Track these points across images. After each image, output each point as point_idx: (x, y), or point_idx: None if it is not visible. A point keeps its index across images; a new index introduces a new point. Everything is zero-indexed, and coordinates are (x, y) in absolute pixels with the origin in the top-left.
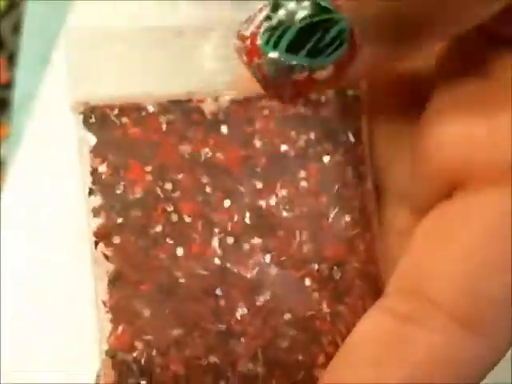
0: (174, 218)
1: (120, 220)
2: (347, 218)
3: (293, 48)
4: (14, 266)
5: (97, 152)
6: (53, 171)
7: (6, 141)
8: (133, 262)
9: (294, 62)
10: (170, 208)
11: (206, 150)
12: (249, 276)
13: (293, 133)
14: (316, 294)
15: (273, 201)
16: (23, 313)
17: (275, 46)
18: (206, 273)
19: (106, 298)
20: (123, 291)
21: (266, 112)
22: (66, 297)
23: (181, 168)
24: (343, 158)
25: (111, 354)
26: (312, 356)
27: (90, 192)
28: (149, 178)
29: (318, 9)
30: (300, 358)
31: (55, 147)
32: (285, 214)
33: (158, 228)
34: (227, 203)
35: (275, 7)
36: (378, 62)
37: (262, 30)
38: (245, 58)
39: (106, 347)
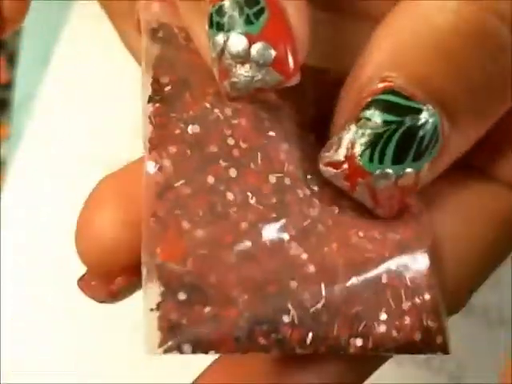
0: (231, 142)
1: (178, 131)
2: None
3: (399, 159)
4: (14, 266)
5: (160, 64)
6: (53, 171)
7: (6, 141)
8: (185, 176)
9: (401, 172)
10: (228, 132)
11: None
12: (304, 224)
13: None
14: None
15: None
16: (23, 313)
17: (380, 161)
18: (260, 207)
19: (154, 210)
20: (172, 203)
21: None
22: (67, 297)
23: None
24: None
25: (159, 262)
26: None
27: (150, 100)
28: (209, 99)
29: (407, 110)
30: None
31: (55, 147)
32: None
33: (214, 148)
34: (285, 146)
35: (362, 123)
36: (467, 144)
37: (358, 149)
38: (346, 183)
39: (153, 257)
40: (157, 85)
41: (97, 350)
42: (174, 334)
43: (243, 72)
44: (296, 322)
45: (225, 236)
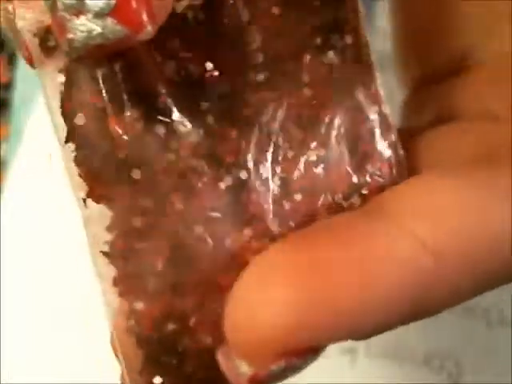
0: None
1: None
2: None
3: None
4: (14, 266)
5: (68, 94)
6: (53, 171)
7: (6, 141)
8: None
9: None
10: None
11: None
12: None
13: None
14: None
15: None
16: (23, 313)
17: None
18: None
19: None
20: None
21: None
22: (67, 296)
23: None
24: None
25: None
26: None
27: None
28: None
29: None
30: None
31: (55, 147)
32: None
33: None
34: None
35: None
36: None
37: None
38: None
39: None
40: (70, 124)
41: (97, 350)
42: None
43: (78, 25)
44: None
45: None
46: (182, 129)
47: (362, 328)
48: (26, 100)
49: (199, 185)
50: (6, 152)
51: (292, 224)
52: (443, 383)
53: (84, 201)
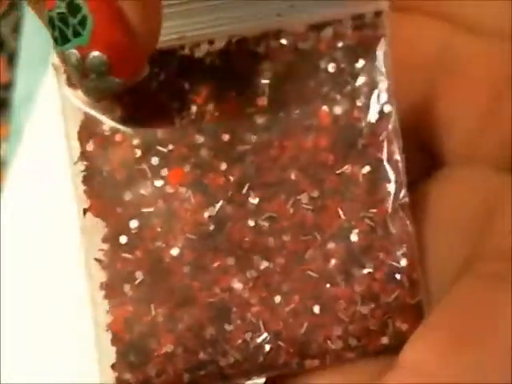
0: (168, 189)
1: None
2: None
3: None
4: (14, 266)
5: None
6: (53, 171)
7: (6, 141)
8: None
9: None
10: (160, 182)
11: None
12: (244, 245)
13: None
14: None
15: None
16: (23, 313)
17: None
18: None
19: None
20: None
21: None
22: (66, 296)
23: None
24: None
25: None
26: (323, 328)
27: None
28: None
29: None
30: (307, 329)
31: (55, 147)
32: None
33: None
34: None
35: None
36: None
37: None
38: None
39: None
40: (83, 148)
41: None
42: None
43: (86, 83)
44: (237, 360)
45: (160, 295)
46: (175, 158)
47: None
48: (25, 100)
49: (182, 211)
50: (5, 152)
51: (279, 260)
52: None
53: (85, 212)
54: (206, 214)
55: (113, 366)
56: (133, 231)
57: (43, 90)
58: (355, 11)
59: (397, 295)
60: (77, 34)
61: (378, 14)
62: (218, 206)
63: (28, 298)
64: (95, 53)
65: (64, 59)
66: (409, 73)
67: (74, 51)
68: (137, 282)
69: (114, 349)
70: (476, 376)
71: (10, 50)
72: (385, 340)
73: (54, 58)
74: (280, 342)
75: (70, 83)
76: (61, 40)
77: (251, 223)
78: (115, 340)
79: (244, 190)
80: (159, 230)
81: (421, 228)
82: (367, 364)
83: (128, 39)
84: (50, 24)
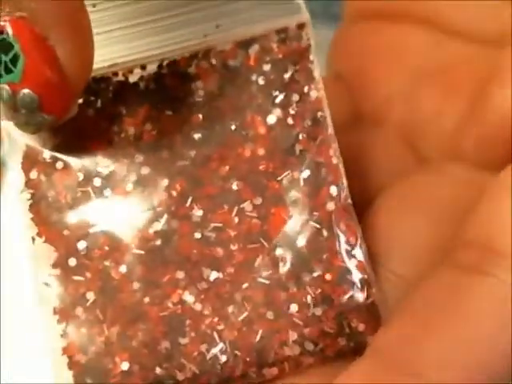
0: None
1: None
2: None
3: None
4: (14, 266)
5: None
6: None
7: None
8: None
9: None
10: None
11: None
12: (192, 257)
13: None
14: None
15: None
16: (23, 313)
17: None
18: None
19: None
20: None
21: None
22: None
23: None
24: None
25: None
26: (278, 333)
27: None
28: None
29: None
30: (263, 336)
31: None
32: (235, 187)
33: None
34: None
35: None
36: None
37: None
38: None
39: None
40: (27, 177)
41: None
42: None
43: (18, 117)
44: (195, 373)
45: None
46: (117, 178)
47: None
48: None
49: (128, 228)
50: (5, 152)
51: (229, 270)
52: None
53: (33, 239)
54: (152, 230)
55: None
56: (81, 253)
57: None
58: (279, 26)
59: (349, 296)
60: (8, 71)
61: (300, 26)
62: (162, 220)
63: (28, 298)
64: (26, 90)
65: None
66: (396, 78)
67: (6, 86)
68: (88, 303)
69: (70, 373)
70: (438, 363)
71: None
72: (342, 341)
73: None
74: (236, 352)
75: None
76: None
77: (198, 235)
78: (71, 364)
79: (187, 203)
80: (107, 248)
81: (401, 216)
82: (329, 367)
83: (59, 77)
84: None
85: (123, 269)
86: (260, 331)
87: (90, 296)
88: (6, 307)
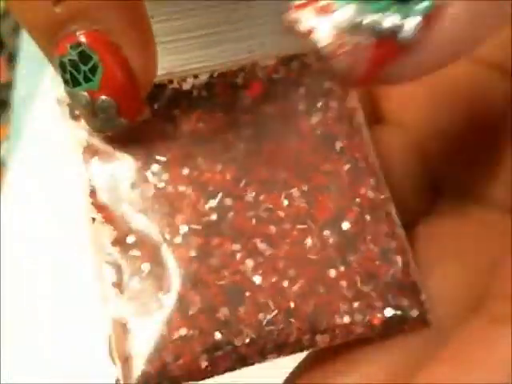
0: (169, 189)
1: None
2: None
3: None
4: (14, 267)
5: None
6: (52, 171)
7: (6, 141)
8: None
9: (376, 17)
10: (161, 184)
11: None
12: (247, 232)
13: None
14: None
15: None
16: (23, 313)
17: None
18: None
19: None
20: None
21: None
22: (66, 297)
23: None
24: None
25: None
26: (329, 305)
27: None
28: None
29: None
30: (315, 307)
31: (55, 147)
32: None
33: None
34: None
35: None
36: (479, 24)
37: None
38: (308, 22)
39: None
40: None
41: (97, 350)
42: (147, 380)
43: (95, 121)
44: (252, 338)
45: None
46: (173, 164)
47: None
48: (26, 100)
49: (182, 205)
50: (5, 151)
51: (282, 247)
52: None
53: (93, 220)
54: (207, 206)
55: (127, 360)
56: (139, 230)
57: (43, 90)
58: (316, 47)
59: (392, 273)
60: (87, 80)
61: None
62: (217, 198)
63: (28, 298)
64: (104, 97)
65: (74, 99)
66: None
67: (85, 94)
68: (144, 273)
69: (129, 343)
70: None
71: (10, 49)
72: (389, 313)
73: (59, 94)
74: (291, 319)
75: (73, 116)
76: (72, 83)
77: (251, 213)
78: (129, 333)
79: (241, 185)
80: (163, 224)
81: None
82: (406, 339)
83: (132, 83)
84: (61, 68)
85: (179, 240)
86: (313, 303)
87: (146, 267)
88: (6, 307)
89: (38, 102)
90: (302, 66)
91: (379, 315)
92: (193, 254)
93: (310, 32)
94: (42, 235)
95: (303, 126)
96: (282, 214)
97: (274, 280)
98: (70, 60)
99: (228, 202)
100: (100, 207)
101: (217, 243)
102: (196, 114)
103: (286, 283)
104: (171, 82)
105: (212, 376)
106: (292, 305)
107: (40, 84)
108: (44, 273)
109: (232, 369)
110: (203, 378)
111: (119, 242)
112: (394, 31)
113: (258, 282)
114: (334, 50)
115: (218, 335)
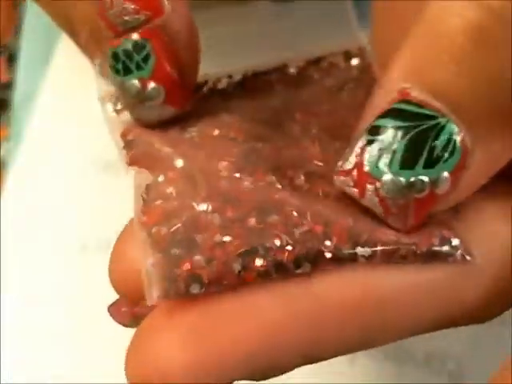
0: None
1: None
2: None
3: (407, 164)
4: (14, 267)
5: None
6: (53, 172)
7: (6, 141)
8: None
9: (413, 179)
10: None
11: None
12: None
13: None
14: None
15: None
16: (23, 313)
17: (389, 167)
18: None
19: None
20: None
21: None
22: (66, 297)
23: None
24: None
25: (149, 228)
26: (372, 220)
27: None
28: None
29: (419, 117)
30: (355, 221)
31: (55, 148)
32: None
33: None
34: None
35: (373, 131)
36: (495, 162)
37: (366, 155)
38: (355, 190)
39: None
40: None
41: (97, 351)
42: (176, 281)
43: (142, 109)
44: (288, 242)
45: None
46: (206, 128)
47: None
48: (26, 100)
49: (219, 144)
50: (6, 152)
51: (317, 180)
52: (443, 383)
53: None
54: (236, 149)
55: (155, 264)
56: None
57: (43, 90)
58: (343, 48)
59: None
60: (139, 68)
61: (361, 48)
62: (251, 142)
63: (28, 298)
64: (154, 84)
65: (123, 88)
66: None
67: (136, 81)
68: (178, 186)
69: (157, 244)
70: None
71: (10, 50)
72: (436, 241)
73: (101, 92)
74: (329, 229)
75: (115, 110)
76: (123, 72)
77: (286, 151)
78: (157, 236)
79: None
80: (198, 167)
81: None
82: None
83: (180, 74)
84: (114, 58)
85: (221, 165)
86: (352, 218)
87: (180, 183)
88: (6, 307)
89: (38, 102)
90: (331, 65)
91: (426, 241)
92: (225, 173)
93: (360, 195)
94: (42, 235)
95: (345, 101)
96: (315, 151)
97: (309, 202)
98: (124, 50)
99: (260, 144)
100: (135, 162)
101: (251, 170)
102: (231, 104)
103: (323, 203)
104: (206, 82)
105: (244, 282)
106: (328, 217)
107: (40, 84)
108: (44, 273)
109: (264, 275)
110: (235, 285)
111: (153, 181)
112: (431, 188)
113: (293, 201)
114: (385, 213)
115: (252, 239)
